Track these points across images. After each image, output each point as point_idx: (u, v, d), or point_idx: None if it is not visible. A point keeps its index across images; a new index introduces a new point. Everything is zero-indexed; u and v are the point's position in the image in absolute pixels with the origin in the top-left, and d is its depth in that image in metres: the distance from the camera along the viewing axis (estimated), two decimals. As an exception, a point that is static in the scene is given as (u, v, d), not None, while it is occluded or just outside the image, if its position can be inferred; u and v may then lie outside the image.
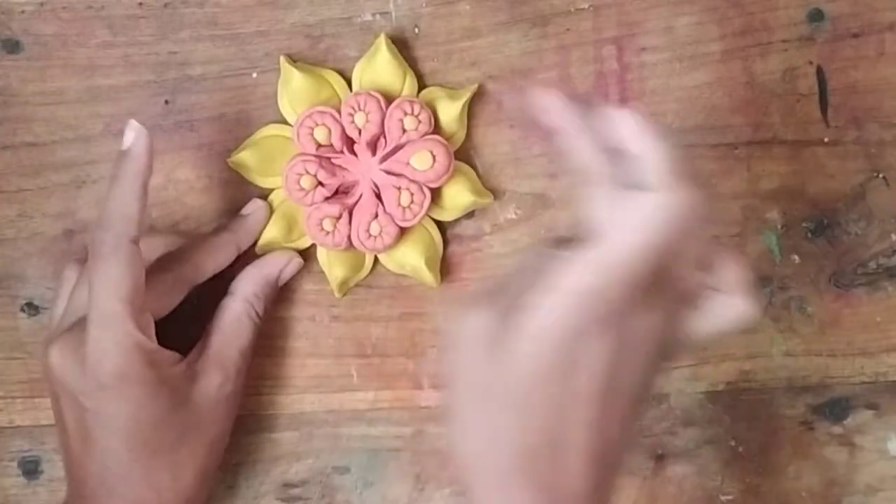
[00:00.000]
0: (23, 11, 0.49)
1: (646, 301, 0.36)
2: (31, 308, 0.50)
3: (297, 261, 0.49)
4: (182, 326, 0.46)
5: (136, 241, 0.43)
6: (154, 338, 0.44)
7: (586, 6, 0.49)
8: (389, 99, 0.48)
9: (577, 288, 0.35)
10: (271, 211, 0.49)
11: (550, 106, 0.38)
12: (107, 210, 0.43)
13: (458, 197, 0.49)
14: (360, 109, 0.47)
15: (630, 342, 0.36)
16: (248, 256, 0.49)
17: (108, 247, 0.42)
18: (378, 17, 0.49)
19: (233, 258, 0.48)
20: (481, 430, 0.37)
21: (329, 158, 0.48)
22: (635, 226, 0.35)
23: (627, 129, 0.37)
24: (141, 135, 0.43)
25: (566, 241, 0.38)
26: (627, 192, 0.35)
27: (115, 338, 0.42)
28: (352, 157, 0.48)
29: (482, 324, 0.37)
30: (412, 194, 0.47)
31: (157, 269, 0.46)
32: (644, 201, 0.35)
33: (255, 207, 0.49)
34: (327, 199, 0.48)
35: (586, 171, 0.37)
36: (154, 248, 0.47)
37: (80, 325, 0.43)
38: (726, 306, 0.39)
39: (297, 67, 0.48)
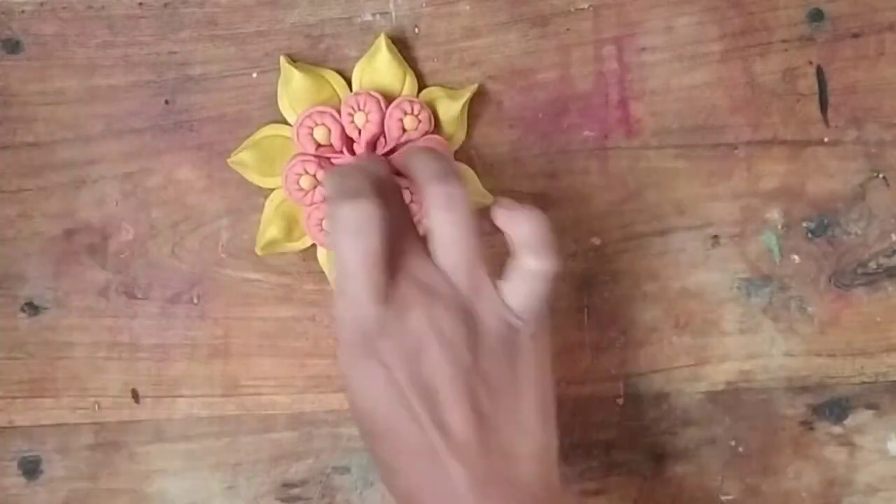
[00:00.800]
0: (23, 11, 0.49)
1: None
2: (31, 308, 0.50)
3: None
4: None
5: None
6: None
7: (586, 6, 0.49)
8: (389, 99, 0.48)
9: None
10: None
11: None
12: None
13: (458, 197, 0.48)
14: (359, 109, 0.47)
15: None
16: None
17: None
18: (378, 17, 0.49)
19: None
20: None
21: (329, 158, 0.48)
22: None
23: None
24: None
25: None
26: None
27: None
28: (352, 157, 0.48)
29: None
30: (412, 194, 0.47)
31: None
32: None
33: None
34: (327, 199, 0.48)
35: None
36: None
37: None
38: (521, 267, 0.40)
39: (297, 67, 0.48)
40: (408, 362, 0.39)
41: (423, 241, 0.42)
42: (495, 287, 0.41)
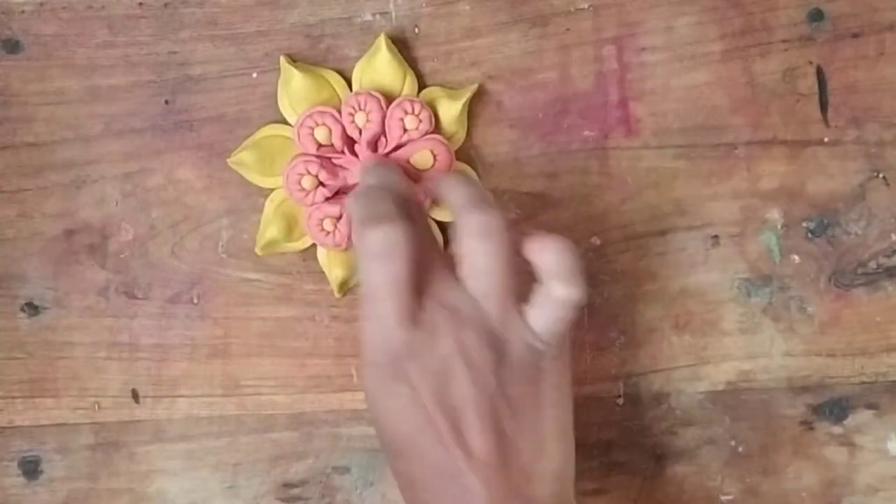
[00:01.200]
0: (23, 11, 0.49)
1: None
2: (31, 308, 0.50)
3: None
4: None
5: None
6: None
7: (586, 6, 0.49)
8: (389, 99, 0.48)
9: None
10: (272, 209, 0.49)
11: None
12: None
13: (459, 197, 0.48)
14: (360, 109, 0.47)
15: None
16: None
17: None
18: (378, 17, 0.49)
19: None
20: None
21: (330, 158, 0.48)
22: None
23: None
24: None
25: None
26: None
27: None
28: (353, 157, 0.48)
29: None
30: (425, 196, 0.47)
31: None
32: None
33: None
34: (328, 199, 0.48)
35: None
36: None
37: None
38: (548, 295, 0.41)
39: (296, 67, 0.48)
40: (435, 385, 0.40)
41: (449, 261, 0.42)
42: (521, 312, 0.41)
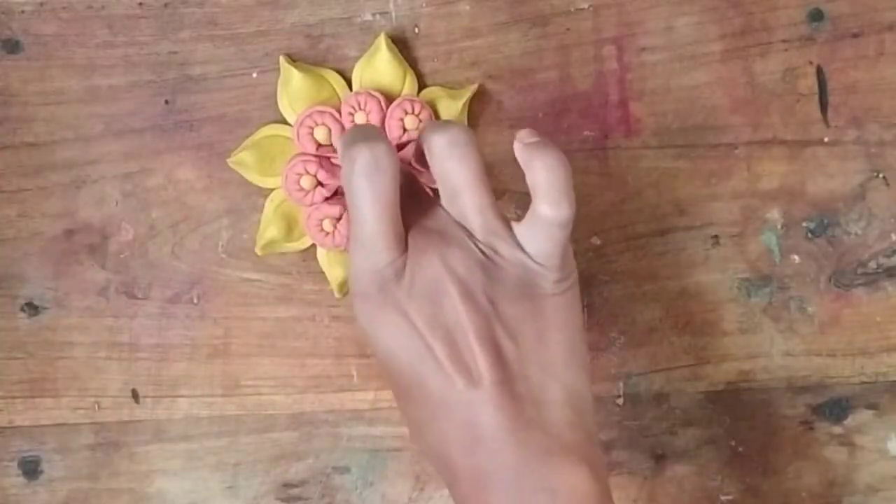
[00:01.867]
0: (23, 11, 0.49)
1: None
2: (31, 308, 0.50)
3: None
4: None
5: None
6: None
7: (586, 6, 0.49)
8: (390, 99, 0.48)
9: None
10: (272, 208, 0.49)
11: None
12: None
13: (458, 197, 0.48)
14: (360, 109, 0.47)
15: None
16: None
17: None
18: (378, 17, 0.49)
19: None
20: None
21: (329, 158, 0.48)
22: None
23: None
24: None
25: None
26: None
27: None
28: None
29: None
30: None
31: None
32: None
33: None
34: (327, 199, 0.48)
35: None
36: None
37: None
38: (536, 212, 0.39)
39: (296, 67, 0.48)
40: (425, 307, 0.39)
41: (434, 198, 0.42)
42: (511, 230, 0.40)
